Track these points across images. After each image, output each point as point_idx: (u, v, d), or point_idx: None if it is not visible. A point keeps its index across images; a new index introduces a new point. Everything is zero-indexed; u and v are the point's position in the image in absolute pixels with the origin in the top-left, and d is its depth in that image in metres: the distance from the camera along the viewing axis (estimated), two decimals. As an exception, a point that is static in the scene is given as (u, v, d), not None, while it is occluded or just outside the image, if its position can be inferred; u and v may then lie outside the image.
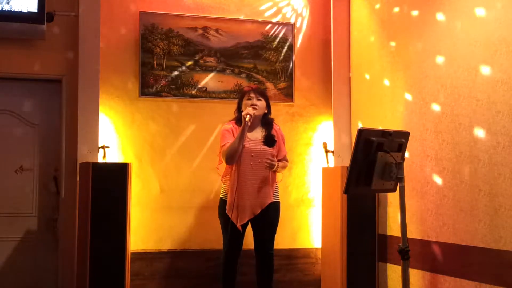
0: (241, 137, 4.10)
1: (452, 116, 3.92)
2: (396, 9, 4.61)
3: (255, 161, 4.17)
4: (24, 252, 4.67)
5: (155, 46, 4.94)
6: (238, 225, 4.13)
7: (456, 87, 3.89)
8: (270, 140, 4.26)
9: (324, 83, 5.30)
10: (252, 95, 4.25)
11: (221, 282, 4.31)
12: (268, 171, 4.19)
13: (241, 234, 4.21)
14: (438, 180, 4.05)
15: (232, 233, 4.16)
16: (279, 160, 4.27)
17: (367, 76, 4.99)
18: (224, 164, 4.26)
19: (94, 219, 4.25)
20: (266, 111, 4.31)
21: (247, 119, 4.07)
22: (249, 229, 4.30)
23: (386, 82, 4.69)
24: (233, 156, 4.12)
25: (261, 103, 4.25)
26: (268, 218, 4.24)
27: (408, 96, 4.40)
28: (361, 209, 4.69)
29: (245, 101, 4.26)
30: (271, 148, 4.24)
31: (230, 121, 4.34)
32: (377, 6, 4.86)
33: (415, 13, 4.37)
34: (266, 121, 4.31)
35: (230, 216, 4.14)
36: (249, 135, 4.20)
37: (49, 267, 4.69)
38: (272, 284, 4.33)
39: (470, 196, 3.74)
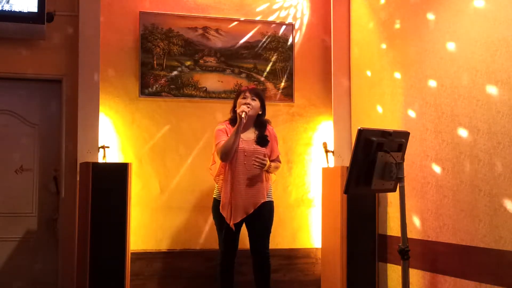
0: (237, 133, 4.11)
1: (452, 116, 3.92)
2: (396, 9, 4.60)
3: (248, 161, 4.18)
4: (24, 252, 4.67)
5: (155, 46, 4.94)
6: (231, 224, 4.15)
7: (456, 87, 3.89)
8: (262, 140, 4.27)
9: (324, 83, 5.31)
10: (247, 94, 4.26)
11: (218, 283, 4.31)
12: (260, 170, 4.20)
13: (236, 234, 4.22)
14: (438, 180, 4.05)
15: (227, 233, 4.17)
16: (272, 161, 4.29)
17: (367, 76, 4.99)
18: (217, 165, 4.27)
19: (94, 219, 4.25)
20: (260, 112, 4.31)
21: (242, 115, 4.08)
22: (245, 229, 4.31)
23: (386, 82, 4.69)
24: (228, 153, 4.12)
25: (255, 103, 4.25)
26: (262, 218, 4.24)
27: (408, 96, 4.40)
28: (361, 209, 4.69)
29: (239, 100, 4.27)
30: (264, 148, 4.25)
31: (224, 121, 4.35)
32: (377, 6, 4.86)
33: (415, 13, 4.36)
34: (259, 122, 4.31)
35: (223, 215, 4.16)
36: (242, 135, 4.20)
37: (49, 267, 4.69)
38: (270, 283, 4.32)
39: (470, 196, 3.74)
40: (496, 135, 3.54)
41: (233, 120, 4.26)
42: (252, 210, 4.18)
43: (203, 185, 4.94)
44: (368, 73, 4.97)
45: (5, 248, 4.64)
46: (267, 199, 4.25)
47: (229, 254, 4.25)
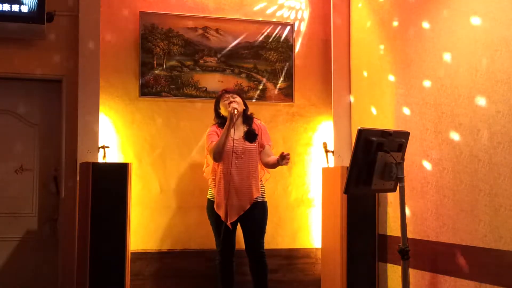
0: (228, 132, 4.17)
1: (452, 116, 3.92)
2: (396, 9, 4.60)
3: (239, 159, 4.23)
4: (24, 252, 4.67)
5: (155, 46, 4.94)
6: (228, 223, 4.20)
7: (456, 87, 3.89)
8: (251, 136, 4.34)
9: (324, 83, 5.30)
10: (227, 95, 4.34)
11: (219, 282, 4.34)
12: (252, 168, 4.26)
13: (232, 232, 4.28)
14: (438, 180, 4.05)
15: (223, 232, 4.23)
16: (263, 148, 4.34)
17: (367, 76, 4.99)
18: (210, 167, 4.36)
19: (94, 219, 4.25)
20: (244, 108, 4.39)
21: (235, 113, 4.18)
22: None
23: (386, 82, 4.69)
24: (220, 152, 4.19)
25: (239, 100, 4.34)
26: (255, 218, 4.30)
27: (408, 96, 4.40)
28: (361, 209, 4.69)
29: (223, 103, 4.35)
30: (253, 144, 4.31)
31: (213, 125, 4.43)
32: (377, 6, 4.86)
33: (415, 13, 4.36)
34: (246, 117, 4.41)
35: (220, 214, 4.23)
36: (233, 134, 4.25)
37: (49, 267, 4.69)
38: (267, 282, 4.34)
39: (470, 196, 3.74)
40: (496, 135, 3.54)
41: (221, 124, 4.35)
42: (248, 206, 4.24)
43: (203, 185, 4.93)
44: (368, 73, 4.97)
45: (5, 248, 4.64)
46: (259, 199, 4.31)
47: (226, 252, 4.31)
